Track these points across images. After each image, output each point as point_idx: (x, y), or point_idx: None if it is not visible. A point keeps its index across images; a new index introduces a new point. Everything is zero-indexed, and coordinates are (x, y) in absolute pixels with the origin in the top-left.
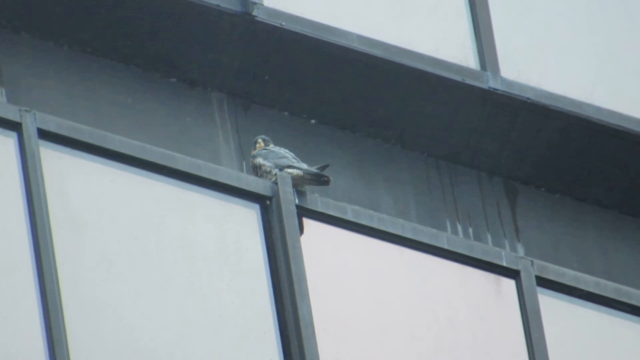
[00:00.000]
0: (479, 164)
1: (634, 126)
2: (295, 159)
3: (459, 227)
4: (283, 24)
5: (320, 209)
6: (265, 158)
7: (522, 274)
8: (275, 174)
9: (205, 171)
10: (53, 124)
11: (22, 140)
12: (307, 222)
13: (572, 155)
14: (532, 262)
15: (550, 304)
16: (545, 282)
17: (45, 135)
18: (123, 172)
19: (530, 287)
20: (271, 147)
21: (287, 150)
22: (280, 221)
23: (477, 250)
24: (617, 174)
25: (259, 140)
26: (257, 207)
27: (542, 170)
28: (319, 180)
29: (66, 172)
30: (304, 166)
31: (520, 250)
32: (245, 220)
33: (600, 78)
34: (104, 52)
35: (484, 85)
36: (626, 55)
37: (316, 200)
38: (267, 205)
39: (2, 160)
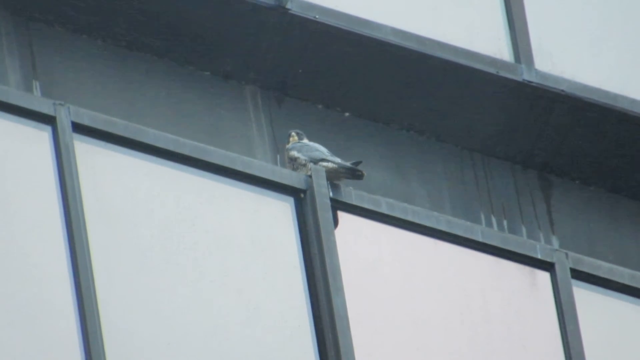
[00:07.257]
0: (513, 156)
1: None
2: (329, 153)
3: (494, 220)
4: (317, 16)
5: (354, 202)
6: (299, 151)
7: (557, 267)
8: (310, 167)
9: (239, 164)
10: (87, 117)
11: (57, 133)
12: (341, 215)
13: (606, 148)
14: (566, 254)
15: (585, 297)
16: (580, 275)
17: (80, 128)
18: (157, 166)
19: (565, 279)
20: (305, 141)
21: (320, 145)
22: (315, 214)
23: (512, 242)
24: None
25: (293, 134)
26: (291, 200)
27: (577, 162)
28: (353, 174)
29: (100, 166)
30: (338, 160)
31: (555, 243)
32: (279, 213)
33: (634, 70)
34: (137, 46)
35: (518, 78)
36: None
37: (350, 193)
38: (301, 198)
39: (37, 154)
